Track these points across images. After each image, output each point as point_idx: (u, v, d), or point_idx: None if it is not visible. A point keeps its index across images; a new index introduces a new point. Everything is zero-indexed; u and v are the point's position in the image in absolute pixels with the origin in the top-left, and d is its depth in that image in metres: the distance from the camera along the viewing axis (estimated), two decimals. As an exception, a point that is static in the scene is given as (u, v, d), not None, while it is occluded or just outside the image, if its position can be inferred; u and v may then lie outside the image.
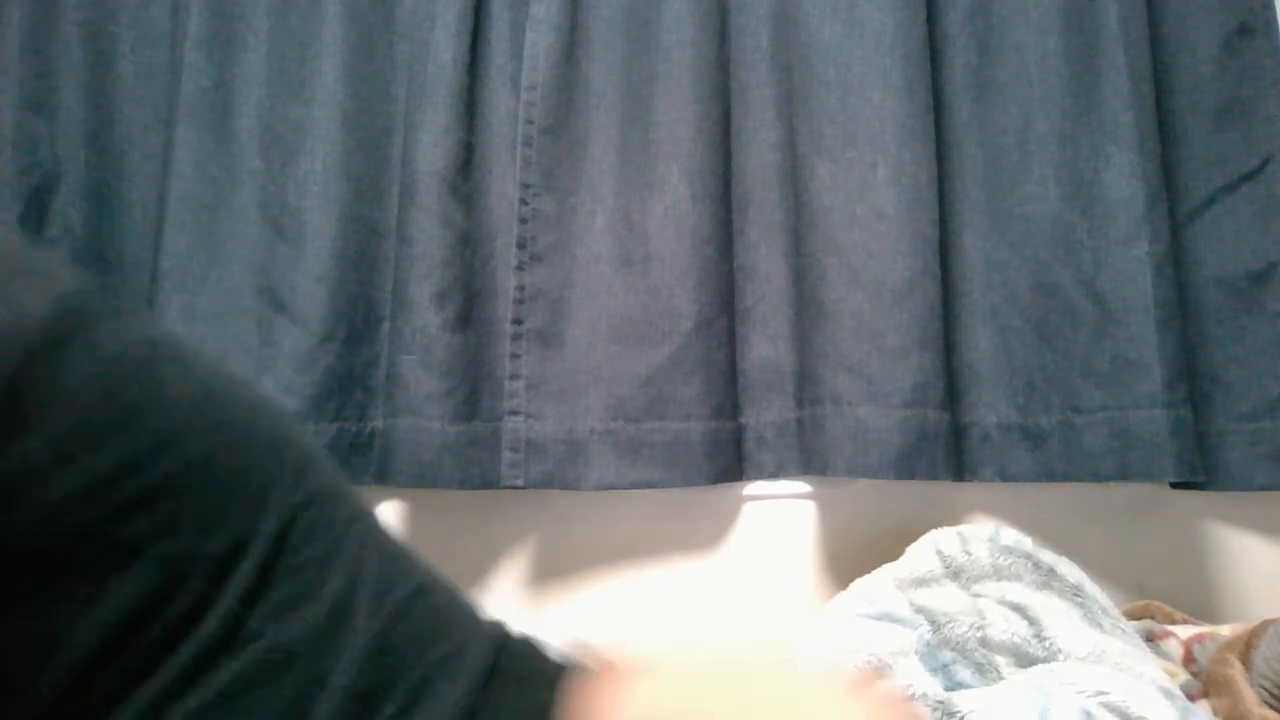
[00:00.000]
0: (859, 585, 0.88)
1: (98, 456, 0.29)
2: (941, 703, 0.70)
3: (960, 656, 0.77)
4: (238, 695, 0.30)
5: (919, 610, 0.81)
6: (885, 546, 0.96)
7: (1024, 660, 0.76)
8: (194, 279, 0.97)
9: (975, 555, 0.86)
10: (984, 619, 0.79)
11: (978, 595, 0.83)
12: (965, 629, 0.78)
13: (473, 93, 1.01)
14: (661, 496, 1.01)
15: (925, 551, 0.88)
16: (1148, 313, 0.93)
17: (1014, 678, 0.74)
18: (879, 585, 0.86)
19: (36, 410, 0.28)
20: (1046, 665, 0.74)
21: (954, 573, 0.85)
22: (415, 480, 0.94)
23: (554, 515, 1.03)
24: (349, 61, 1.02)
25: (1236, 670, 0.78)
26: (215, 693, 0.29)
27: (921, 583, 0.85)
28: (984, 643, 0.78)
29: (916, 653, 0.77)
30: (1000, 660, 0.77)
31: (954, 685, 0.74)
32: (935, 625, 0.79)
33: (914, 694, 0.72)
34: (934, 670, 0.75)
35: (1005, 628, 0.78)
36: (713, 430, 0.98)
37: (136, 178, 1.03)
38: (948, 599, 0.82)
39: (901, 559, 0.89)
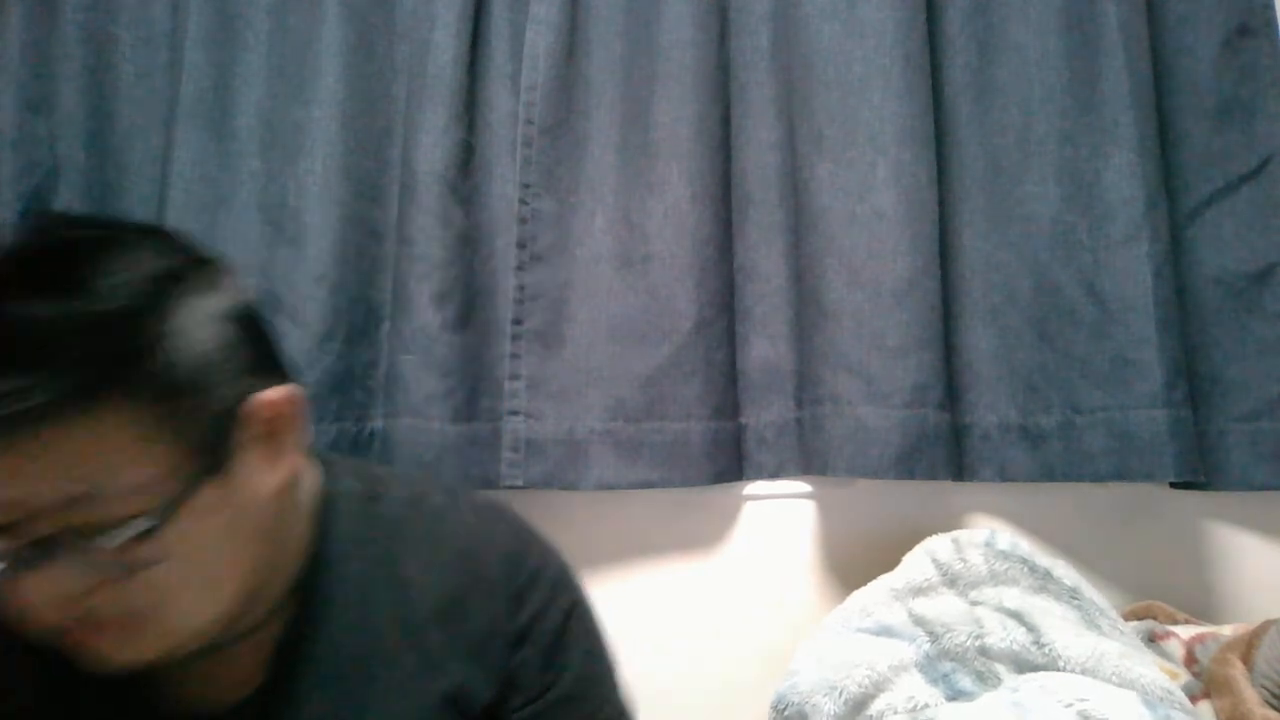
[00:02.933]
0: (856, 598, 0.87)
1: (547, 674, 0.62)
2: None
3: (960, 666, 0.77)
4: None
5: (917, 621, 0.81)
6: (885, 546, 0.95)
7: (1023, 667, 0.76)
8: (194, 279, 0.97)
9: (971, 562, 0.85)
10: (982, 627, 0.79)
11: (975, 602, 0.83)
12: (964, 638, 0.78)
13: (473, 93, 1.01)
14: (661, 496, 1.01)
15: (921, 560, 0.88)
16: (1148, 313, 0.92)
17: (1002, 689, 0.74)
18: (876, 597, 0.86)
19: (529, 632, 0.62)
20: (1036, 675, 0.74)
21: (950, 580, 0.85)
22: (415, 480, 0.94)
23: (554, 515, 1.02)
24: (349, 61, 1.02)
25: (1238, 670, 0.78)
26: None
27: (919, 592, 0.85)
28: (983, 651, 0.77)
29: (916, 665, 0.77)
30: (1000, 668, 0.77)
31: (955, 694, 0.74)
32: (934, 636, 0.79)
33: (914, 706, 0.73)
34: (934, 681, 0.75)
35: (1004, 635, 0.78)
36: (713, 430, 0.98)
37: (136, 178, 1.03)
38: (945, 608, 0.82)
39: (898, 568, 0.89)
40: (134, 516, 0.45)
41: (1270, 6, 1.01)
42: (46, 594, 0.45)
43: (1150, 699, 0.69)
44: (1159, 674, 0.74)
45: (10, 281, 0.44)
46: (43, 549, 0.44)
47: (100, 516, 0.44)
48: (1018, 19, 1.01)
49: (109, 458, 0.44)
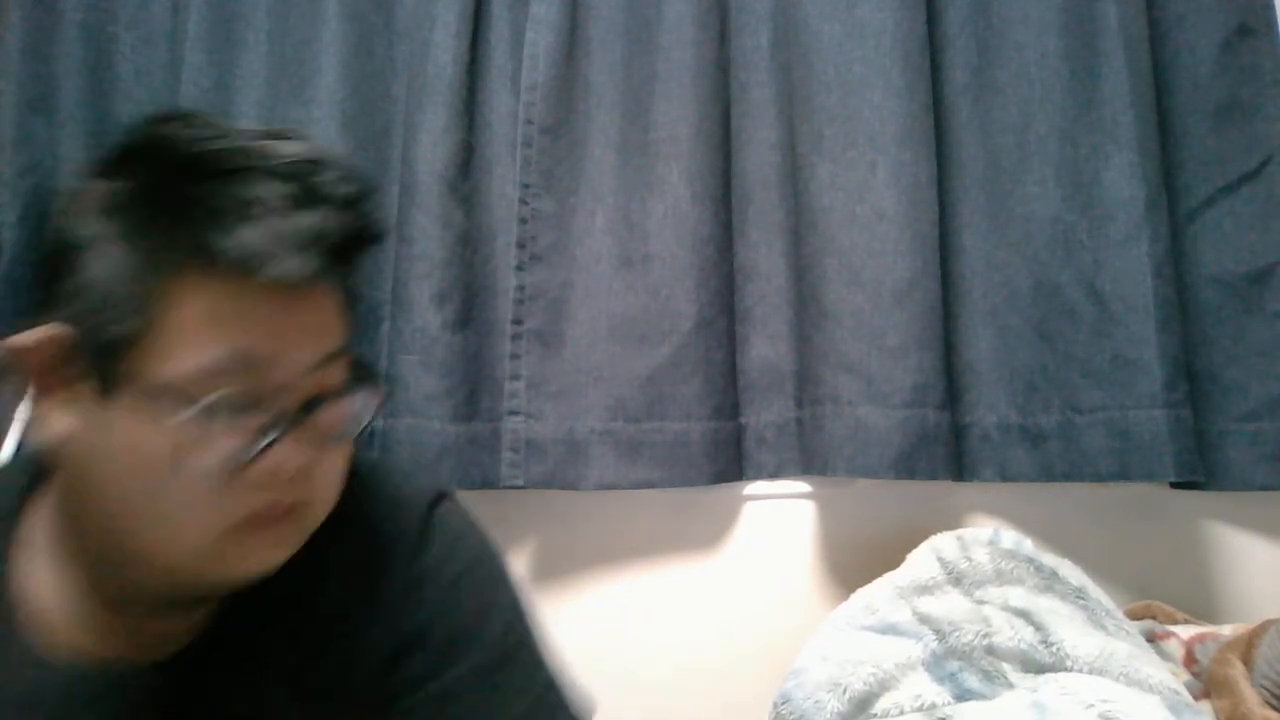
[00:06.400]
0: (860, 595, 0.87)
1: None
2: (941, 719, 0.69)
3: (967, 665, 0.76)
4: None
5: (923, 619, 0.80)
6: (885, 546, 0.95)
7: (1031, 666, 0.76)
8: (194, 279, 0.97)
9: (976, 560, 0.85)
10: (989, 626, 0.78)
11: (981, 601, 0.83)
12: (971, 637, 0.77)
13: (473, 93, 1.01)
14: (661, 496, 1.01)
15: (926, 558, 0.87)
16: (1147, 313, 0.92)
17: (1018, 689, 0.73)
18: (880, 594, 0.85)
19: None
20: (1053, 675, 0.73)
21: (956, 579, 0.85)
22: (415, 480, 0.94)
23: (554, 515, 1.03)
24: (349, 61, 1.02)
25: (1238, 670, 0.78)
26: None
27: (924, 590, 0.84)
28: (990, 650, 0.77)
29: (923, 663, 0.76)
30: (1007, 667, 0.76)
31: (962, 693, 0.74)
32: (940, 634, 0.78)
33: (922, 705, 0.72)
34: (941, 680, 0.75)
35: (1011, 634, 0.77)
36: (713, 430, 0.97)
37: (136, 178, 1.03)
38: (951, 606, 0.81)
39: (902, 566, 0.88)
40: (344, 385, 0.44)
41: (1270, 7, 1.01)
42: (296, 463, 0.42)
43: (1175, 705, 0.68)
44: (1167, 675, 0.73)
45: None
46: (305, 411, 0.42)
47: (333, 380, 0.44)
48: (1018, 19, 1.01)
49: (343, 319, 0.45)
